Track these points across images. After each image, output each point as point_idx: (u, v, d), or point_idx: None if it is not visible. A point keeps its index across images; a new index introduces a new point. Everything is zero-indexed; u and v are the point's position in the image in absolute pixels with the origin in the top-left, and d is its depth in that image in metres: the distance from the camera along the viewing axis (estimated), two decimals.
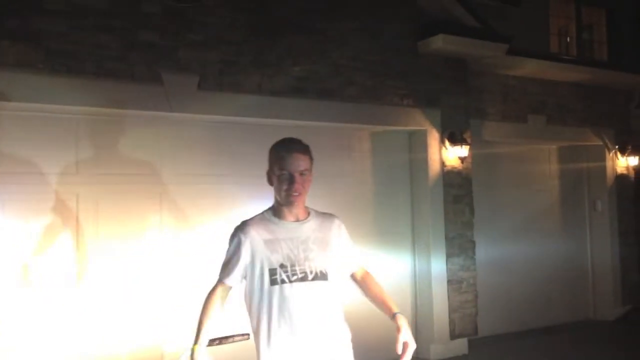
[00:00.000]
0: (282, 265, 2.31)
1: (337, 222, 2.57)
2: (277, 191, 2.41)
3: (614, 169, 8.46)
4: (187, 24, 5.02)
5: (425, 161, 6.43)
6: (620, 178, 8.50)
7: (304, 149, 2.42)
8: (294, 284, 2.31)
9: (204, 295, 2.55)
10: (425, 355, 6.29)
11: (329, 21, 5.78)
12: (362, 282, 2.59)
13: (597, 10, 8.84)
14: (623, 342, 7.15)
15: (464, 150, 6.51)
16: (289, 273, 2.31)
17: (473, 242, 6.70)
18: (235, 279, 2.44)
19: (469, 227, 6.68)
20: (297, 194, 2.37)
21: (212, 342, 2.81)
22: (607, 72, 8.12)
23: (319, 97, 5.68)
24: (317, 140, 5.88)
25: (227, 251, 2.46)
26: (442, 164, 6.50)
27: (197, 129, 5.34)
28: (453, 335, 6.43)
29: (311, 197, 6.36)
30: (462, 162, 6.60)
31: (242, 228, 2.44)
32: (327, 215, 2.58)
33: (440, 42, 6.23)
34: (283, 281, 2.30)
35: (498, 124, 7.32)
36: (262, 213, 2.49)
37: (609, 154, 8.42)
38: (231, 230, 2.48)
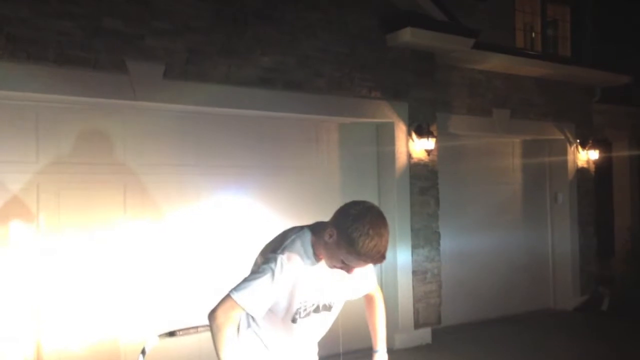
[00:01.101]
0: (302, 302, 2.22)
1: None
2: (329, 257, 2.12)
3: (575, 163, 8.67)
4: (152, 11, 4.94)
5: (392, 153, 6.48)
6: (581, 171, 8.72)
7: (385, 257, 2.06)
8: (304, 318, 2.25)
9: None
10: (389, 344, 6.29)
11: (297, 12, 5.76)
12: (367, 304, 2.51)
13: (562, 7, 9.02)
14: (578, 331, 7.37)
15: (430, 143, 6.58)
16: (304, 308, 2.23)
17: (438, 234, 6.80)
18: (261, 312, 2.14)
19: (434, 219, 6.77)
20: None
21: (176, 333, 2.81)
22: (569, 67, 8.31)
23: (286, 88, 5.67)
24: (285, 131, 5.98)
25: (264, 278, 2.08)
26: (409, 156, 6.56)
27: (163, 118, 5.27)
28: (417, 325, 6.53)
29: (278, 189, 6.27)
30: (429, 154, 6.67)
31: (290, 260, 2.13)
32: None
33: (408, 36, 6.26)
34: (298, 318, 2.23)
35: (464, 117, 7.41)
36: (304, 241, 2.18)
37: (570, 147, 8.61)
38: (274, 254, 2.15)
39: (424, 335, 6.60)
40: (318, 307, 2.27)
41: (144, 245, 5.09)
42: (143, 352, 2.78)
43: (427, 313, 6.65)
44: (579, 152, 8.66)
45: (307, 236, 2.19)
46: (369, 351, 2.48)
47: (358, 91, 6.19)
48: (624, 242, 10.19)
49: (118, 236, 4.98)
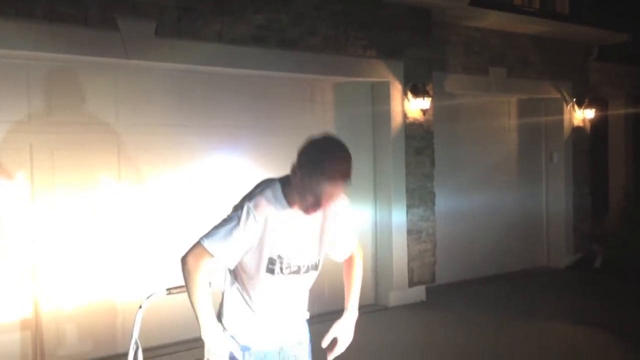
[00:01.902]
0: (279, 256, 2.20)
1: (342, 207, 2.32)
2: (300, 195, 2.12)
3: (570, 122, 8.64)
4: None
5: (387, 113, 6.44)
6: (577, 130, 8.70)
7: (349, 177, 2.08)
8: (287, 275, 2.24)
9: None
10: (384, 302, 6.47)
11: None
12: (345, 262, 2.51)
13: None
14: (571, 289, 7.49)
15: (426, 103, 6.54)
16: (284, 265, 2.22)
17: (433, 194, 6.81)
18: (232, 260, 2.17)
19: (429, 179, 6.78)
20: (316, 211, 2.17)
21: (171, 291, 2.83)
22: (567, 25, 8.21)
23: (280, 47, 5.58)
24: (278, 91, 5.92)
25: (232, 225, 2.13)
26: (405, 116, 6.52)
27: (155, 77, 5.21)
28: (411, 283, 6.62)
29: (271, 149, 6.23)
30: (424, 114, 6.63)
31: (257, 207, 2.14)
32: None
33: None
34: (278, 272, 2.22)
35: (460, 76, 7.35)
36: (275, 190, 2.19)
37: (567, 106, 8.58)
38: (242, 202, 2.18)
39: (419, 293, 6.69)
40: (300, 266, 2.27)
41: (139, 204, 5.08)
42: (141, 307, 2.81)
43: (421, 271, 6.72)
44: (575, 111, 8.63)
45: (277, 186, 2.21)
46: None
47: (353, 50, 6.11)
48: (618, 201, 10.26)
49: (113, 195, 4.97)
